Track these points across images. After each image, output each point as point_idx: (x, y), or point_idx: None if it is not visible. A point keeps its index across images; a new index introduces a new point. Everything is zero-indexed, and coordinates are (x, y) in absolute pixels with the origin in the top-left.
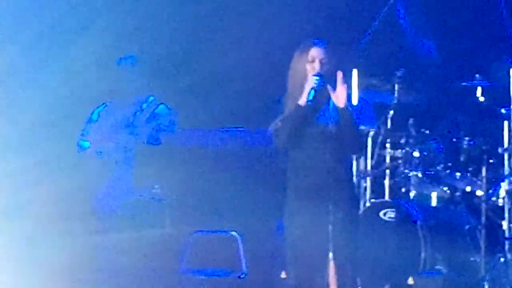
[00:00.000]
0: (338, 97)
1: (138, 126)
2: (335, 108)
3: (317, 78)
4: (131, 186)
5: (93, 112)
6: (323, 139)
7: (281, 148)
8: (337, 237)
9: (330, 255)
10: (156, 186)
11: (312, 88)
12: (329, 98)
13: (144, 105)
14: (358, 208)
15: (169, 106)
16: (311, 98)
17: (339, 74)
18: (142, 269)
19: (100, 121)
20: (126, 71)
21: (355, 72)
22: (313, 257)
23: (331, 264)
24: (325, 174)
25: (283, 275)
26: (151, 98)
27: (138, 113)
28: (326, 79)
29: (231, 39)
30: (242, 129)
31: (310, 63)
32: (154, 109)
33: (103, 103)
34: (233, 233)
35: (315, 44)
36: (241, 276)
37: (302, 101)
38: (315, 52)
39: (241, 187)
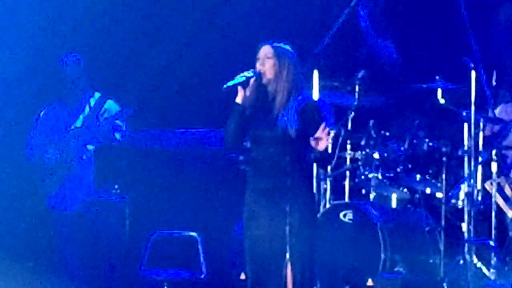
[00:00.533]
0: (318, 144)
1: (90, 123)
2: (295, 112)
3: (249, 71)
4: (91, 186)
5: (38, 116)
6: (282, 141)
7: (228, 148)
8: (293, 238)
9: (287, 256)
10: (116, 186)
11: (239, 78)
12: (274, 99)
13: (92, 101)
14: (316, 209)
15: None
16: (229, 84)
17: (322, 126)
18: (103, 270)
19: (46, 124)
20: (71, 70)
21: (315, 73)
22: (270, 259)
23: (288, 266)
24: (283, 176)
25: (242, 276)
26: (98, 94)
27: (87, 110)
28: (269, 77)
29: (184, 36)
30: (203, 130)
31: (258, 61)
32: (103, 105)
33: (47, 105)
34: (193, 234)
35: (263, 44)
36: (201, 277)
37: (239, 98)
38: (261, 50)
39: (201, 188)
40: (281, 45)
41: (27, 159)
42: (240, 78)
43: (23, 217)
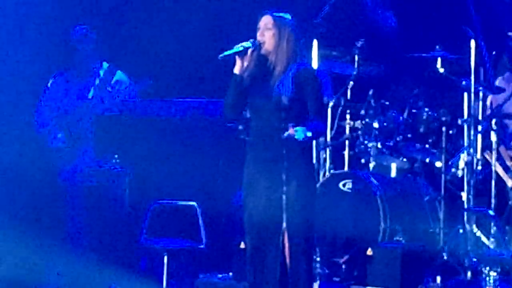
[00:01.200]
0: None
1: (101, 94)
2: (291, 80)
3: (248, 41)
4: (92, 157)
5: (46, 87)
6: (277, 110)
7: (227, 118)
8: (290, 207)
9: (284, 225)
10: (116, 156)
11: (237, 48)
12: (273, 69)
13: (101, 72)
14: (315, 179)
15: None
16: (226, 54)
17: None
18: (103, 240)
19: (56, 92)
20: (80, 41)
21: (315, 43)
22: (267, 228)
23: (285, 235)
24: (279, 145)
25: (242, 245)
26: (106, 64)
27: (97, 80)
28: (269, 48)
29: (185, 4)
30: (202, 99)
31: (258, 31)
32: (113, 76)
33: (57, 73)
34: (193, 203)
35: (263, 14)
36: (201, 246)
37: (237, 69)
38: (261, 20)
39: (201, 157)
40: (282, 14)
41: (36, 131)
42: (238, 48)
43: (33, 188)
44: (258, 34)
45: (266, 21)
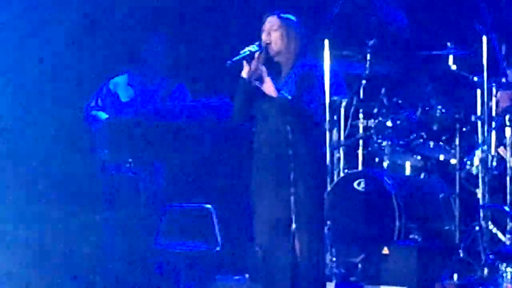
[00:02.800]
0: (266, 89)
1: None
2: (293, 80)
3: (254, 45)
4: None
5: (110, 81)
6: (281, 111)
7: (236, 121)
8: (299, 208)
9: (293, 226)
10: (130, 160)
11: (243, 53)
12: (279, 70)
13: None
14: (324, 178)
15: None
16: (233, 60)
17: (263, 70)
18: (117, 244)
19: (119, 92)
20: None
21: (326, 42)
22: (277, 229)
23: (295, 235)
24: (285, 146)
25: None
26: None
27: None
28: (275, 49)
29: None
30: (215, 101)
31: (263, 32)
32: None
33: (123, 73)
34: (208, 206)
35: (269, 15)
36: (216, 249)
37: (244, 73)
38: (267, 22)
39: (215, 159)
40: (288, 16)
41: (88, 118)
42: (244, 52)
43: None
44: (263, 35)
45: (272, 22)
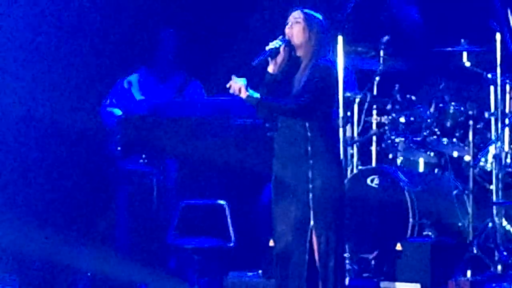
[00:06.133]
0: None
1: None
2: (306, 76)
3: (278, 40)
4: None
5: (124, 79)
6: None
7: (262, 118)
8: (317, 205)
9: (311, 223)
10: (144, 156)
11: (269, 50)
12: (299, 65)
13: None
14: (342, 175)
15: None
16: (260, 58)
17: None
18: (131, 239)
19: (132, 90)
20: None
21: (340, 39)
22: (295, 226)
23: (313, 232)
24: (302, 142)
25: (271, 243)
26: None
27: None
28: (297, 41)
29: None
30: (228, 97)
31: (287, 25)
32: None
33: (136, 71)
34: (221, 202)
35: (294, 9)
36: (230, 245)
37: (270, 68)
38: (291, 16)
39: (228, 155)
40: (312, 12)
41: (103, 115)
42: (270, 50)
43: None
44: (286, 27)
45: (296, 15)
